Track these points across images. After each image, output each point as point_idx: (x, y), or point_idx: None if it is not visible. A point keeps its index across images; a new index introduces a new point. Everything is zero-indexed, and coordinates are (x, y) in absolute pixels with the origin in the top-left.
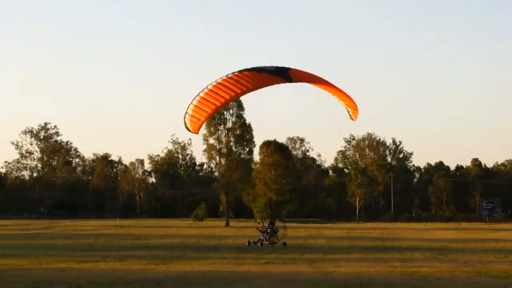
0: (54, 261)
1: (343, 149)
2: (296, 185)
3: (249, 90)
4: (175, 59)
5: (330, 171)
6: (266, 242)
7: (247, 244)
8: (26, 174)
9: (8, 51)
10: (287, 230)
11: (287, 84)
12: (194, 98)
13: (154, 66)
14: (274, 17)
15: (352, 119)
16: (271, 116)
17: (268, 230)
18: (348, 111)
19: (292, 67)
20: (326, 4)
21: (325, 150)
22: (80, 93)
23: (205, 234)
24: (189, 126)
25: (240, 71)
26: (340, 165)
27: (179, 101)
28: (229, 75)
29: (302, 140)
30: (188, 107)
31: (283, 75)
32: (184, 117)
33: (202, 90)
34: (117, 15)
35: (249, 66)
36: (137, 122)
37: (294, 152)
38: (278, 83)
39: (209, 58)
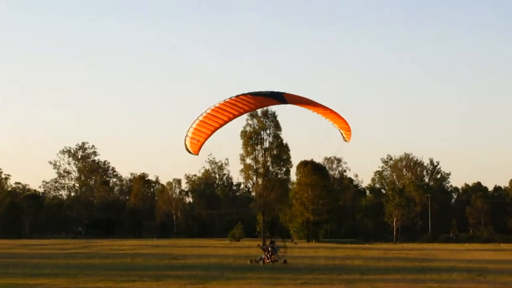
0: (91, 281)
1: (380, 169)
2: (333, 205)
3: (245, 111)
4: (212, 80)
5: (367, 192)
6: (267, 261)
7: (249, 262)
8: (64, 193)
9: (46, 70)
10: (287, 249)
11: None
12: (194, 122)
13: (191, 86)
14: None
15: (346, 140)
16: (308, 136)
17: (269, 249)
18: (342, 133)
19: (286, 92)
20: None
21: (362, 171)
22: (118, 113)
23: (242, 254)
24: (189, 148)
25: (237, 96)
26: (377, 185)
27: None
28: (227, 100)
29: (339, 160)
30: (188, 130)
31: (278, 98)
32: (185, 139)
33: (202, 114)
34: (156, 39)
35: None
36: (175, 142)
37: (331, 172)
38: (273, 104)
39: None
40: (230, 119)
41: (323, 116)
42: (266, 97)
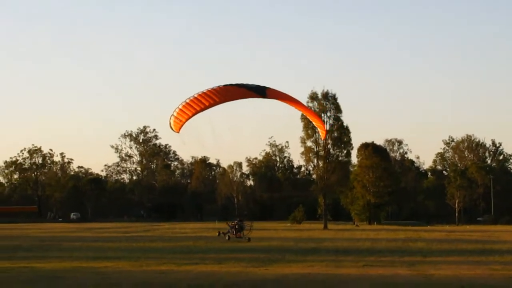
0: (154, 264)
1: (442, 151)
2: (394, 188)
3: (226, 100)
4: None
5: (429, 173)
6: (233, 236)
7: (217, 234)
8: (125, 177)
9: (108, 57)
10: (252, 230)
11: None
12: (181, 103)
13: (250, 70)
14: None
15: (321, 137)
16: (369, 118)
17: (236, 226)
18: (319, 130)
19: (271, 87)
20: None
21: (424, 152)
22: (179, 96)
23: (303, 237)
24: (172, 126)
25: (225, 85)
26: (439, 167)
27: (276, 103)
28: (214, 87)
29: (400, 142)
30: (174, 110)
31: (260, 91)
32: (170, 118)
33: (189, 97)
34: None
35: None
36: (236, 125)
37: (392, 154)
38: (253, 97)
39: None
40: (212, 105)
41: (303, 113)
42: (248, 90)
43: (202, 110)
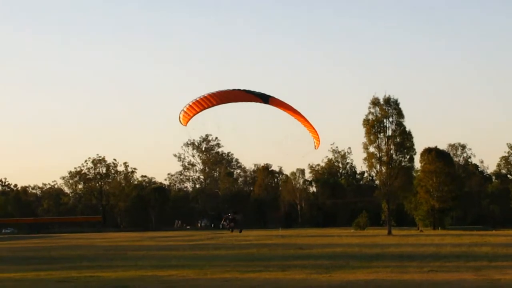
0: (218, 272)
1: (506, 154)
2: (458, 192)
3: (231, 101)
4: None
5: (493, 178)
6: (227, 226)
7: (212, 226)
8: (189, 185)
9: (172, 66)
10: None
11: None
12: (191, 101)
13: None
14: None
15: (315, 147)
16: (432, 123)
17: (230, 217)
18: (314, 141)
19: (274, 96)
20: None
21: (488, 156)
22: (241, 106)
23: (367, 243)
24: (181, 120)
25: (233, 89)
26: (503, 171)
27: (338, 109)
28: (224, 90)
29: (463, 147)
30: (185, 106)
31: (263, 98)
32: (180, 112)
33: (200, 96)
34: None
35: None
36: (295, 131)
37: (456, 159)
38: (256, 102)
39: None
40: (218, 104)
41: (300, 122)
42: (253, 95)
43: (208, 107)
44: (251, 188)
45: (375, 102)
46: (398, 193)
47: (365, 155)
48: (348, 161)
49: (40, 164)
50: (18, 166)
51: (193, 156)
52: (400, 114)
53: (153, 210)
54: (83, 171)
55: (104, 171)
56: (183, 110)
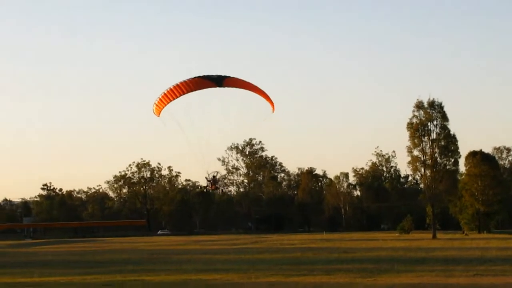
0: (262, 275)
1: None
2: (504, 196)
3: (191, 91)
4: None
5: None
6: (210, 187)
7: (200, 188)
8: (233, 189)
9: (215, 70)
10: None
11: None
12: (160, 93)
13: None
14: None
15: (272, 111)
16: (477, 126)
17: (211, 180)
18: (270, 106)
19: (230, 76)
20: None
21: None
22: (284, 108)
23: (412, 246)
24: (154, 111)
25: (193, 77)
26: None
27: (382, 113)
28: (185, 80)
29: (509, 150)
30: (156, 99)
31: (217, 81)
32: (152, 106)
33: (166, 88)
34: None
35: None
36: (341, 135)
37: (501, 162)
38: (210, 87)
39: None
40: (181, 95)
41: (255, 93)
42: (207, 80)
43: (174, 99)
44: (295, 192)
45: (419, 106)
46: (442, 196)
47: (409, 158)
48: (392, 164)
49: (85, 169)
50: (63, 171)
51: (237, 160)
52: (444, 117)
53: (197, 214)
54: (127, 175)
55: (149, 175)
56: (154, 103)
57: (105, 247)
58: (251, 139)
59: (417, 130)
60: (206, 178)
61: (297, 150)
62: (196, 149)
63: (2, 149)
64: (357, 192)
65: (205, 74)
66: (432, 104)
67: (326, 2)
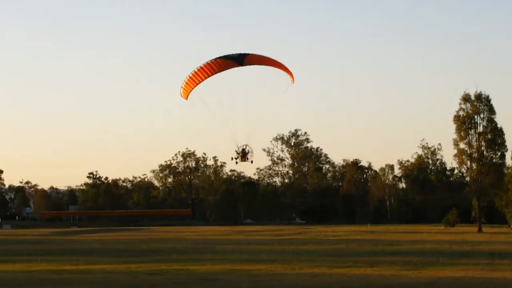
0: (306, 267)
1: None
2: None
3: (215, 73)
4: None
5: None
6: (240, 160)
7: (231, 159)
8: (277, 180)
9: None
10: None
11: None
12: (186, 76)
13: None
14: None
15: (292, 82)
16: None
17: (241, 152)
18: (289, 77)
19: (250, 53)
20: None
21: None
22: (329, 99)
23: (457, 240)
24: (182, 94)
25: (215, 58)
26: None
27: (428, 105)
28: (207, 62)
29: None
30: (182, 82)
31: (238, 60)
32: (180, 90)
33: (191, 72)
34: None
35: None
36: (386, 127)
37: None
38: (232, 67)
39: None
40: (206, 77)
41: (277, 67)
42: (229, 60)
43: (200, 82)
44: (340, 184)
45: (466, 98)
46: (489, 190)
47: (455, 151)
48: (438, 157)
49: (131, 157)
50: (109, 159)
51: (282, 151)
52: (491, 110)
53: (242, 205)
54: (173, 165)
55: (194, 165)
56: (181, 87)
57: (150, 236)
58: (296, 130)
59: (463, 123)
60: (236, 151)
61: (343, 142)
62: (225, 127)
63: (49, 137)
64: (402, 185)
65: (226, 54)
66: (479, 96)
67: None
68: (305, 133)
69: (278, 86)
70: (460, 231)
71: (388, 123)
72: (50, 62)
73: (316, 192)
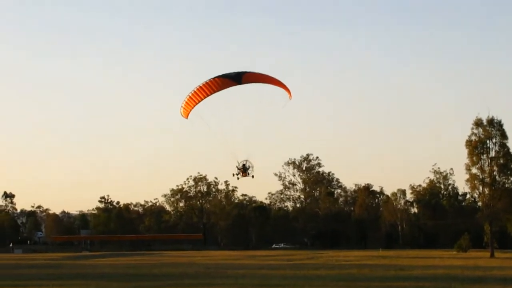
0: None
1: None
2: None
3: (214, 92)
4: None
5: None
6: (241, 175)
7: (232, 175)
8: (289, 205)
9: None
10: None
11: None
12: (186, 96)
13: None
14: None
15: (289, 98)
16: None
17: (241, 168)
18: (287, 94)
19: (247, 71)
20: None
21: None
22: (339, 124)
23: (469, 265)
24: (182, 113)
25: (213, 77)
26: None
27: (440, 130)
28: (206, 81)
29: None
30: (182, 102)
31: (236, 79)
32: (180, 109)
33: (190, 91)
34: None
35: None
36: (398, 151)
37: None
38: (231, 86)
39: None
40: (205, 97)
41: (274, 85)
42: (227, 79)
43: (200, 101)
44: (352, 208)
45: (478, 123)
46: (501, 215)
47: (467, 176)
48: (450, 182)
49: (142, 182)
50: (120, 184)
51: (294, 175)
52: (504, 135)
53: (254, 229)
54: (184, 189)
55: (205, 189)
56: (181, 106)
57: (161, 261)
58: (308, 155)
59: (476, 148)
60: (236, 167)
61: (354, 166)
62: (225, 145)
63: (60, 162)
64: (414, 209)
65: (223, 73)
66: (491, 121)
67: (389, 15)
68: (317, 157)
69: (276, 102)
70: (472, 256)
71: (400, 147)
72: (61, 86)
73: (328, 217)
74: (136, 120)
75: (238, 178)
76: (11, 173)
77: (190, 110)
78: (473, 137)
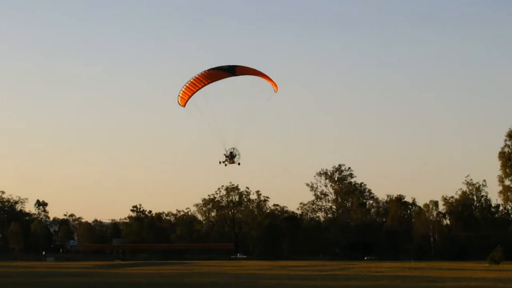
0: None
1: None
2: None
3: (208, 83)
4: None
5: None
6: (228, 162)
7: (219, 163)
8: (321, 215)
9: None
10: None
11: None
12: (183, 85)
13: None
14: None
15: (275, 91)
16: None
17: (229, 156)
18: (272, 86)
19: (239, 64)
20: None
21: None
22: (373, 134)
23: (502, 277)
24: (179, 102)
25: (208, 69)
26: None
27: (473, 142)
28: (202, 72)
29: None
30: (179, 91)
31: (230, 71)
32: (177, 98)
33: (187, 81)
34: None
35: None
36: (431, 162)
37: None
38: (225, 77)
39: None
40: (200, 88)
41: (264, 78)
42: (221, 71)
43: (196, 91)
44: (384, 219)
45: (511, 135)
46: None
47: (500, 188)
48: (483, 193)
49: (174, 191)
50: (152, 193)
51: (326, 186)
52: None
53: (285, 239)
54: (216, 199)
55: (237, 199)
56: (179, 95)
57: (193, 270)
58: (340, 165)
59: (509, 160)
60: (224, 154)
61: (386, 177)
62: (215, 133)
63: (93, 171)
64: (446, 221)
65: (217, 66)
66: None
67: (416, 33)
68: (349, 168)
69: (264, 94)
70: (505, 269)
71: (432, 159)
72: (100, 97)
73: (360, 228)
74: (169, 131)
75: (225, 165)
76: (44, 182)
77: (188, 99)
78: (506, 149)
